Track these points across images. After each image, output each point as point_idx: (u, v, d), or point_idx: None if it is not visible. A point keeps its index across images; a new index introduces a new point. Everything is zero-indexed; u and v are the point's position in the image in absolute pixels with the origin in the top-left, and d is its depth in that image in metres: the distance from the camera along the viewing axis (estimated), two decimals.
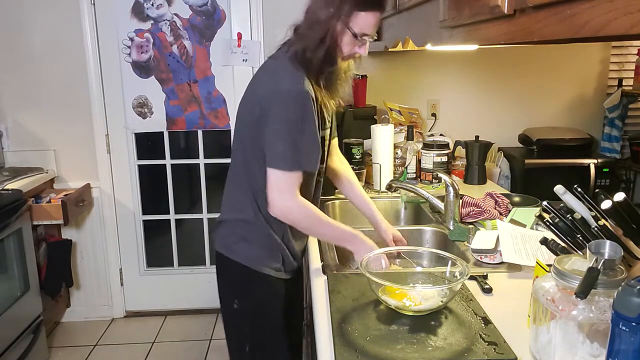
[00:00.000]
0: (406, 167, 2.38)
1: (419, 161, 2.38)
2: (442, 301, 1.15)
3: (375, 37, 1.41)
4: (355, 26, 1.32)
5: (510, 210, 1.79)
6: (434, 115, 2.90)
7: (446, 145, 2.38)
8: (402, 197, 2.10)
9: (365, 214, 1.70)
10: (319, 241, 1.65)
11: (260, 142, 1.36)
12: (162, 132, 2.93)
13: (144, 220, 3.04)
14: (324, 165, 1.56)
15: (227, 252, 1.51)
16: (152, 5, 2.75)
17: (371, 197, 2.17)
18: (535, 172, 2.56)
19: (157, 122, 2.89)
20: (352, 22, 1.31)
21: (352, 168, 2.22)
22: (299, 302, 1.80)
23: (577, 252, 1.02)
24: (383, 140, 2.22)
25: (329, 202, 2.08)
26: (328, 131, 1.51)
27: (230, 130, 2.92)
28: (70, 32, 2.74)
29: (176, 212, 3.06)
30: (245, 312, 1.53)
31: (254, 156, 1.40)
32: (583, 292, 0.82)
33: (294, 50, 1.37)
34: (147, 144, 2.96)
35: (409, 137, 2.40)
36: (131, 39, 2.78)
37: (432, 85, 2.88)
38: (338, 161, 1.73)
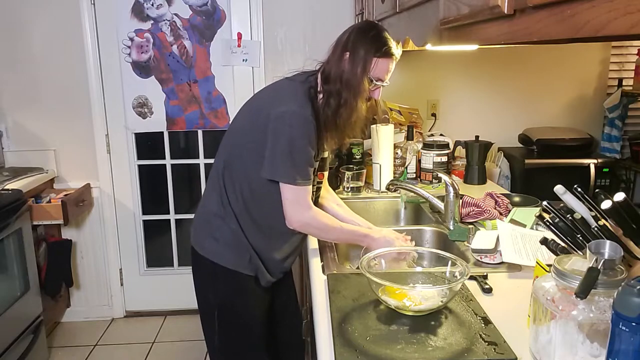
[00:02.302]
0: (406, 167, 2.38)
1: (419, 161, 2.38)
2: (442, 301, 1.15)
3: (388, 83, 1.52)
4: (372, 72, 1.44)
5: (510, 210, 1.79)
6: (434, 115, 2.90)
7: (446, 145, 2.37)
8: (402, 197, 2.10)
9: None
10: (318, 241, 1.65)
11: (258, 149, 1.45)
12: (162, 132, 2.93)
13: (144, 220, 3.04)
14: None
15: (198, 247, 1.59)
16: (152, 5, 2.75)
17: (371, 197, 2.19)
18: (535, 172, 2.56)
19: (157, 122, 2.89)
20: (370, 68, 1.44)
21: (352, 168, 2.23)
22: (284, 303, 1.81)
23: (577, 252, 1.02)
24: (383, 140, 2.22)
25: None
26: (317, 164, 1.58)
27: None
28: (70, 32, 2.74)
29: (176, 212, 3.06)
30: (213, 307, 1.60)
31: (241, 157, 1.50)
32: (583, 292, 0.82)
33: (310, 86, 1.49)
34: (147, 144, 2.96)
35: (409, 137, 2.40)
36: (131, 39, 2.78)
37: (432, 85, 2.88)
38: (324, 190, 1.78)
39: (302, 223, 1.49)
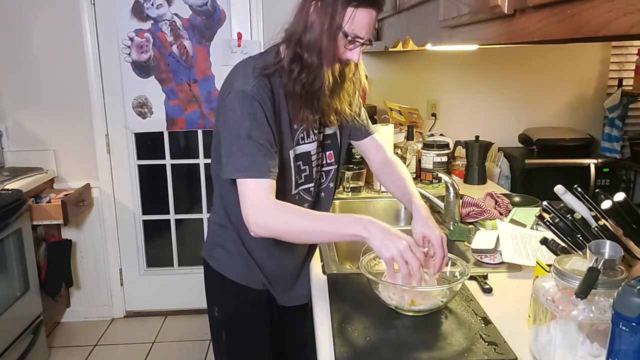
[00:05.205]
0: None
1: (419, 161, 2.38)
2: (442, 301, 1.15)
3: (370, 43, 1.24)
4: (347, 25, 1.15)
5: (510, 210, 1.79)
6: (434, 115, 2.90)
7: (446, 145, 2.37)
8: None
9: (405, 205, 1.47)
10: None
11: (217, 145, 1.27)
12: (162, 132, 2.93)
13: (144, 220, 3.04)
14: (315, 186, 1.43)
15: (208, 258, 1.48)
16: (152, 5, 2.75)
17: (371, 197, 2.18)
18: (535, 172, 2.56)
19: (157, 122, 2.89)
20: (344, 19, 1.15)
21: (352, 168, 2.23)
22: (297, 330, 1.59)
23: (577, 252, 1.02)
24: (383, 140, 2.22)
25: None
26: (308, 146, 1.35)
27: None
28: (70, 32, 2.73)
29: (176, 212, 3.06)
30: (222, 321, 1.49)
31: (218, 158, 1.30)
32: (583, 292, 0.82)
33: (271, 58, 1.24)
34: (147, 144, 2.96)
35: (409, 137, 2.40)
36: (131, 39, 2.78)
37: (432, 85, 2.88)
38: (379, 157, 1.52)
39: (262, 228, 1.17)
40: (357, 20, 1.16)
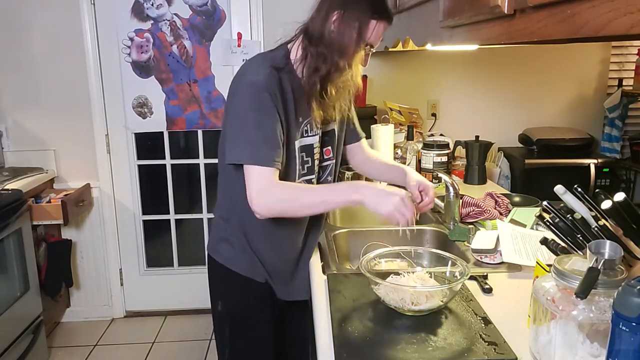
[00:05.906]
0: None
1: (419, 161, 2.38)
2: (442, 301, 1.15)
3: (373, 51, 1.37)
4: (368, 35, 1.28)
5: (510, 210, 1.79)
6: (434, 115, 2.90)
7: (446, 145, 2.37)
8: None
9: (394, 179, 1.59)
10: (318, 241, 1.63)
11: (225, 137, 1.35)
12: (162, 132, 2.93)
13: (144, 220, 3.04)
14: (315, 180, 1.49)
15: (212, 252, 1.52)
16: (152, 5, 2.75)
17: None
18: (535, 172, 2.56)
19: (157, 122, 2.89)
20: (367, 31, 1.27)
21: (352, 168, 2.22)
22: (298, 327, 1.65)
23: (577, 252, 1.02)
24: (383, 140, 2.22)
25: None
26: (311, 139, 1.43)
27: None
28: (70, 32, 2.74)
29: (176, 212, 3.06)
30: (226, 315, 1.52)
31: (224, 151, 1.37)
32: (583, 292, 0.82)
33: (282, 53, 1.35)
34: (147, 144, 2.96)
35: (409, 137, 2.40)
36: (131, 39, 2.78)
37: (432, 85, 2.88)
38: (367, 159, 1.68)
39: (265, 207, 1.26)
40: (376, 32, 1.29)
